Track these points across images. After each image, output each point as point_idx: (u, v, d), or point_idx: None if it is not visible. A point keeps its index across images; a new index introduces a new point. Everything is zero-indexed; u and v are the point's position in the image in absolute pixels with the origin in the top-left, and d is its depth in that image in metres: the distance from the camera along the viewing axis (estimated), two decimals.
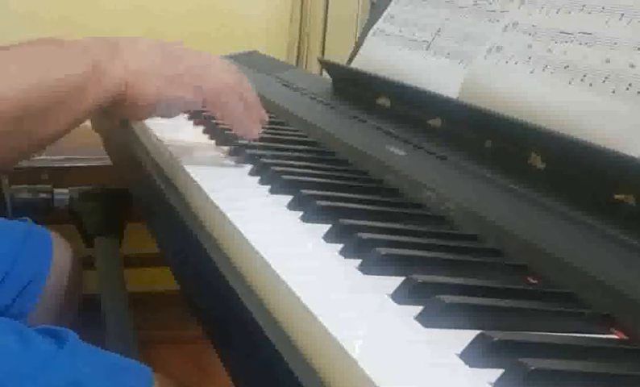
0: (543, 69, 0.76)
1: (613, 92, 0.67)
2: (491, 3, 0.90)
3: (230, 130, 0.83)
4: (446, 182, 0.73)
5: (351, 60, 1.14)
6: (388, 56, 1.05)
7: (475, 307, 0.47)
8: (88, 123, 0.96)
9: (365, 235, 0.57)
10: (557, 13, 0.79)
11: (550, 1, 0.80)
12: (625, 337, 0.48)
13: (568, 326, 0.48)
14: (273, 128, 0.93)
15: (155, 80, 0.72)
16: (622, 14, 0.71)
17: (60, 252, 1.04)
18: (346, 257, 0.55)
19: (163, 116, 0.77)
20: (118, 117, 0.76)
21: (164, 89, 0.73)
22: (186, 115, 0.99)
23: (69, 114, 0.69)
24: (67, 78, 0.68)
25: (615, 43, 0.70)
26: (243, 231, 0.57)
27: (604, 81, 0.69)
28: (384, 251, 0.54)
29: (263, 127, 0.84)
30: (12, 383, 0.64)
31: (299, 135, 0.93)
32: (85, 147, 1.35)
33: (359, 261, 0.54)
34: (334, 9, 1.80)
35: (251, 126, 0.79)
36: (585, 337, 0.47)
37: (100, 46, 0.72)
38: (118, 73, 0.70)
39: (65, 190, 1.37)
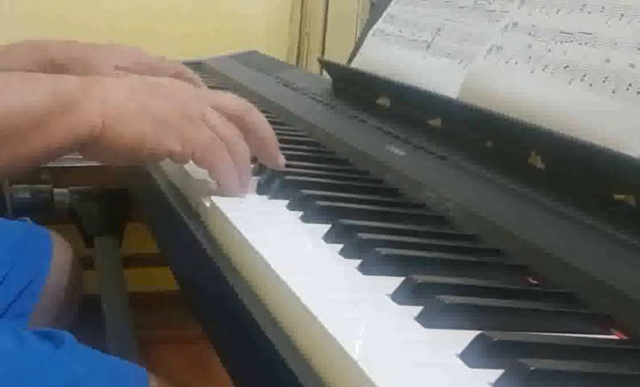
0: (543, 69, 0.76)
1: (613, 92, 0.67)
2: (491, 3, 0.90)
3: None
4: (446, 182, 0.73)
5: (351, 60, 1.14)
6: (388, 56, 1.05)
7: (475, 307, 0.47)
8: None
9: (365, 235, 0.57)
10: (557, 13, 0.79)
11: (550, 1, 0.80)
12: (625, 337, 0.48)
13: (568, 326, 0.48)
14: (273, 128, 0.93)
15: (138, 121, 0.63)
16: (622, 14, 0.71)
17: (60, 252, 1.04)
18: (346, 257, 0.55)
19: (145, 160, 0.69)
20: (95, 159, 0.67)
21: (149, 134, 0.64)
22: None
23: (29, 146, 0.61)
24: (23, 107, 0.61)
25: (615, 43, 0.70)
26: (243, 231, 0.57)
27: (604, 81, 0.69)
28: (384, 251, 0.54)
29: None
30: (9, 384, 0.64)
31: (299, 135, 0.93)
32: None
33: (359, 261, 0.54)
34: (334, 9, 1.80)
35: (237, 183, 0.67)
36: (585, 337, 0.47)
37: (78, 81, 0.64)
38: (93, 111, 0.62)
39: (65, 190, 1.37)
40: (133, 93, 0.65)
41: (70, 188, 1.38)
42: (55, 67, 0.89)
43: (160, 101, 0.65)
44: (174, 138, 0.65)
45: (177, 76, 0.93)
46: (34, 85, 0.63)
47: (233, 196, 0.67)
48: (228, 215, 0.60)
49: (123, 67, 0.92)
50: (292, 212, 0.65)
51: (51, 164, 1.37)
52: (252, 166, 0.76)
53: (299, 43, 1.91)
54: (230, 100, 0.70)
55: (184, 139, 0.65)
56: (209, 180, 0.70)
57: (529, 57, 0.79)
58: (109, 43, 0.97)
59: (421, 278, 0.49)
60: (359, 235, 0.57)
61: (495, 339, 0.42)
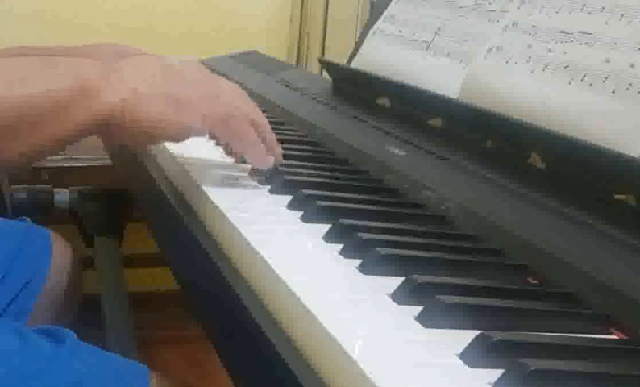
0: (543, 69, 0.76)
1: (613, 92, 0.67)
2: (491, 3, 0.90)
3: None
4: (446, 182, 0.73)
5: (350, 60, 1.14)
6: (388, 55, 1.05)
7: (475, 307, 0.47)
8: None
9: (365, 235, 0.57)
10: (557, 13, 0.79)
11: (550, 1, 0.80)
12: (625, 337, 0.48)
13: (568, 326, 0.48)
14: (273, 128, 0.93)
15: (158, 102, 0.65)
16: (622, 14, 0.71)
17: (60, 252, 1.04)
18: (346, 257, 0.55)
19: (167, 141, 0.72)
20: (117, 142, 0.69)
21: (169, 114, 0.65)
22: None
23: (49, 132, 0.62)
24: (46, 93, 0.62)
25: (615, 43, 0.70)
26: (243, 231, 0.57)
27: (604, 81, 0.69)
28: (384, 251, 0.54)
29: None
30: (12, 383, 0.64)
31: (299, 135, 0.93)
32: (85, 147, 1.35)
33: (359, 261, 0.54)
34: (334, 9, 1.80)
35: (266, 153, 0.71)
36: (585, 337, 0.47)
37: (98, 65, 0.66)
38: (114, 93, 0.64)
39: (65, 190, 1.37)
40: (150, 75, 0.66)
41: (70, 188, 1.38)
42: None
43: (177, 82, 0.67)
44: (194, 116, 0.66)
45: None
46: (55, 70, 0.64)
47: (262, 166, 0.71)
48: (228, 215, 0.60)
49: None
50: (292, 212, 0.65)
51: (51, 164, 1.37)
52: (251, 167, 0.76)
53: (299, 43, 1.91)
54: (238, 97, 0.72)
55: (203, 115, 0.67)
56: (209, 179, 0.70)
57: (529, 57, 0.79)
58: (109, 43, 0.97)
59: (421, 278, 0.49)
60: (359, 235, 0.57)
61: (495, 339, 0.42)
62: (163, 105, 0.65)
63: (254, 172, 0.75)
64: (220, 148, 0.85)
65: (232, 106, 0.69)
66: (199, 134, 0.69)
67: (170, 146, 0.81)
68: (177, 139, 0.68)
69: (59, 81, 0.63)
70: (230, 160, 0.81)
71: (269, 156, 0.71)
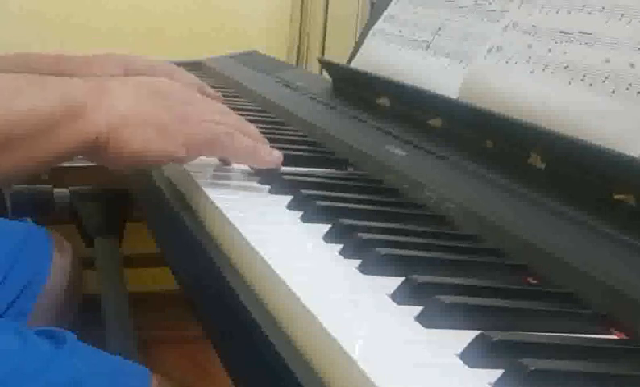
0: (543, 69, 0.76)
1: (613, 92, 0.67)
2: (491, 3, 0.90)
3: None
4: (446, 182, 0.73)
5: (350, 60, 1.14)
6: (388, 56, 1.05)
7: (475, 307, 0.47)
8: None
9: (365, 236, 0.57)
10: (557, 13, 0.79)
11: (550, 1, 0.80)
12: (625, 337, 0.48)
13: (568, 326, 0.48)
14: (273, 128, 0.93)
15: (143, 130, 0.65)
16: (622, 14, 0.71)
17: (60, 252, 1.04)
18: (346, 257, 0.55)
19: (149, 167, 0.73)
20: (103, 165, 0.68)
21: (153, 142, 0.65)
22: None
23: (37, 150, 0.62)
24: (32, 113, 0.61)
25: (615, 43, 0.70)
26: (242, 231, 0.57)
27: (604, 81, 0.69)
28: (383, 251, 0.54)
29: (263, 127, 0.84)
30: (12, 383, 0.64)
31: (299, 135, 0.93)
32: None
33: (358, 261, 0.54)
34: (334, 9, 1.80)
35: (267, 150, 0.71)
36: (585, 337, 0.47)
37: (86, 86, 0.65)
38: (100, 117, 0.63)
39: (65, 190, 1.37)
40: (136, 101, 0.66)
41: (70, 188, 1.38)
42: None
43: (161, 108, 0.66)
44: (178, 143, 0.66)
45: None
46: (43, 90, 0.63)
47: (272, 166, 0.71)
48: (228, 215, 0.60)
49: (117, 75, 0.91)
50: (292, 212, 0.65)
51: None
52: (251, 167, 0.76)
53: (299, 43, 1.91)
54: (222, 116, 0.71)
55: (188, 142, 0.66)
56: (209, 179, 0.70)
57: (529, 57, 0.79)
58: (98, 54, 0.97)
59: (421, 278, 0.49)
60: (359, 235, 0.57)
61: (495, 339, 0.42)
62: (147, 132, 0.65)
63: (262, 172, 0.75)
64: None
65: (212, 131, 0.68)
66: (183, 161, 0.70)
67: None
68: (161, 164, 0.70)
69: (48, 100, 0.62)
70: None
71: (273, 153, 0.71)
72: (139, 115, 0.65)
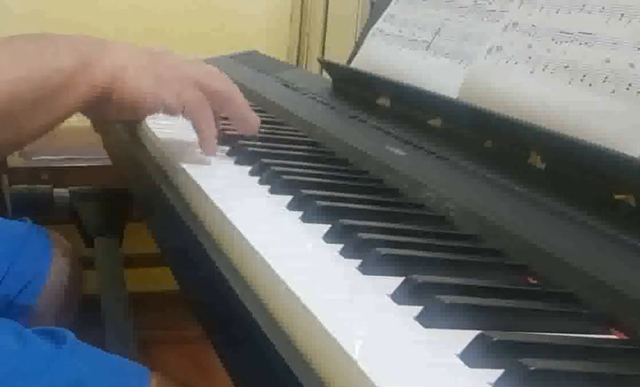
0: (543, 69, 0.76)
1: (613, 92, 0.67)
2: (491, 3, 0.90)
3: (231, 129, 0.83)
4: (446, 182, 0.73)
5: (350, 60, 1.14)
6: (388, 56, 1.05)
7: (475, 307, 0.47)
8: (88, 123, 0.96)
9: (365, 235, 0.57)
10: (557, 13, 0.79)
11: (550, 1, 0.80)
12: (625, 337, 0.48)
13: (568, 326, 0.48)
14: (273, 128, 0.93)
15: (141, 77, 0.72)
16: (622, 14, 0.71)
17: (60, 252, 1.04)
18: (346, 257, 0.55)
19: (144, 112, 0.78)
20: (104, 117, 0.77)
21: (149, 86, 0.73)
22: None
23: (58, 107, 0.70)
24: (56, 72, 0.69)
25: (615, 43, 0.70)
26: (242, 232, 0.57)
27: (604, 81, 0.69)
28: (384, 251, 0.54)
29: (263, 127, 0.84)
30: (13, 383, 0.64)
31: (299, 135, 0.93)
32: (85, 147, 1.35)
33: (359, 261, 0.54)
34: (334, 9, 1.80)
35: (214, 144, 0.78)
36: (585, 337, 0.47)
37: (88, 41, 0.73)
38: (105, 68, 0.71)
39: (65, 190, 1.37)
40: (137, 53, 0.74)
41: (70, 188, 1.37)
42: None
43: (157, 62, 0.74)
44: (170, 93, 0.73)
45: None
46: (60, 50, 0.71)
47: (247, 130, 0.80)
48: (228, 215, 0.60)
49: None
50: (292, 212, 0.65)
51: (51, 164, 1.37)
52: (251, 167, 0.76)
53: (299, 43, 1.91)
54: (216, 82, 0.78)
55: (179, 95, 0.73)
56: (209, 179, 0.70)
57: (529, 57, 0.79)
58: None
59: (421, 278, 0.49)
60: (359, 235, 0.57)
61: (495, 339, 0.42)
62: (144, 78, 0.72)
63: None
64: (220, 149, 0.85)
65: (200, 99, 0.75)
66: (173, 113, 0.76)
67: (170, 145, 0.81)
68: (152, 110, 0.75)
69: (65, 60, 0.70)
70: (230, 161, 0.81)
71: (250, 120, 0.79)
72: (137, 65, 0.73)
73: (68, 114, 0.72)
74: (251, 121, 0.80)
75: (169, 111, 0.75)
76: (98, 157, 1.31)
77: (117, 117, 0.78)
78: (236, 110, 0.79)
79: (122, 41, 0.76)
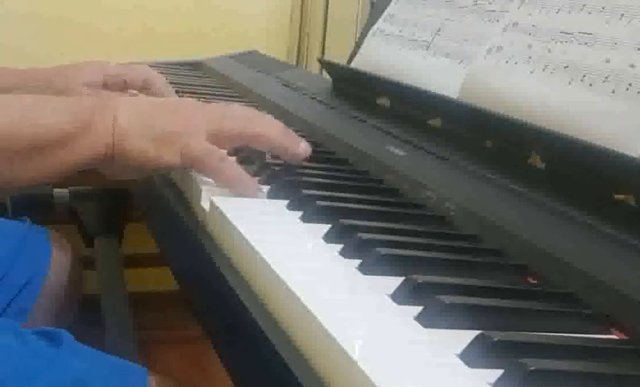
0: (543, 69, 0.76)
1: (613, 92, 0.67)
2: (491, 3, 0.90)
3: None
4: (446, 182, 0.73)
5: (351, 60, 1.14)
6: (388, 56, 1.05)
7: (475, 307, 0.47)
8: None
9: (365, 236, 0.57)
10: (557, 13, 0.79)
11: (550, 1, 0.80)
12: (625, 337, 0.48)
13: (568, 326, 0.48)
14: None
15: (142, 140, 0.70)
16: (622, 14, 0.71)
17: (59, 252, 1.04)
18: (346, 257, 0.55)
19: (151, 174, 0.77)
20: (111, 175, 0.74)
21: (150, 151, 0.70)
22: None
23: (55, 161, 0.69)
24: (54, 126, 0.69)
25: (615, 43, 0.70)
26: (243, 231, 0.57)
27: (604, 81, 0.69)
28: (384, 251, 0.54)
29: None
30: (13, 383, 0.64)
31: (299, 135, 0.93)
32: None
33: (359, 261, 0.54)
34: (334, 9, 1.80)
35: (250, 185, 0.70)
36: (585, 337, 0.47)
37: (95, 104, 0.71)
38: (107, 131, 0.69)
39: (65, 190, 1.37)
40: (138, 114, 0.71)
41: (70, 188, 1.37)
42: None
43: (160, 119, 0.71)
44: (171, 153, 0.70)
45: (146, 82, 0.98)
46: (60, 108, 0.71)
47: (247, 195, 0.69)
48: (228, 215, 0.60)
49: (94, 82, 0.96)
50: (292, 212, 0.65)
51: None
52: (251, 167, 0.76)
53: (299, 43, 1.91)
54: (227, 122, 0.72)
55: (183, 153, 0.70)
56: (209, 180, 0.70)
57: (529, 57, 0.79)
58: (71, 64, 0.99)
59: (421, 278, 0.49)
60: (359, 235, 0.57)
61: (495, 339, 0.42)
62: (144, 141, 0.70)
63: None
64: None
65: (205, 150, 0.70)
66: (177, 169, 0.72)
67: None
68: (159, 172, 0.75)
69: (62, 118, 0.70)
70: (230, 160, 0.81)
71: (254, 187, 0.70)
72: (136, 126, 0.70)
73: (68, 171, 0.71)
74: (291, 148, 0.74)
75: (176, 169, 0.73)
76: None
77: (125, 176, 0.75)
78: (265, 143, 0.74)
79: (128, 100, 0.76)
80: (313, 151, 0.86)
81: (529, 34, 0.81)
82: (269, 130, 0.73)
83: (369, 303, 0.48)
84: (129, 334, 1.22)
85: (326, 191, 0.69)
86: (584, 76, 0.71)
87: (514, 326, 0.47)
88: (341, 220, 0.60)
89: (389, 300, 0.48)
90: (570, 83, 0.72)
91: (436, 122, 0.89)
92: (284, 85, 1.24)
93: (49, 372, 0.66)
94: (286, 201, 0.67)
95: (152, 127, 0.70)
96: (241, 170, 0.71)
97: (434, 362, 0.41)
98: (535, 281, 0.55)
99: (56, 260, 1.02)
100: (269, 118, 0.76)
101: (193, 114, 0.72)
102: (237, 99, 1.16)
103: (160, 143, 0.70)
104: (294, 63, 1.88)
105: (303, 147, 0.74)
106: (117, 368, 0.72)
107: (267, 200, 0.69)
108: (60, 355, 0.67)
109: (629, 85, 0.66)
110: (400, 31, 1.05)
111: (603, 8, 0.73)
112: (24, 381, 0.65)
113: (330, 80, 1.21)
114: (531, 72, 0.77)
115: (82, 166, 0.71)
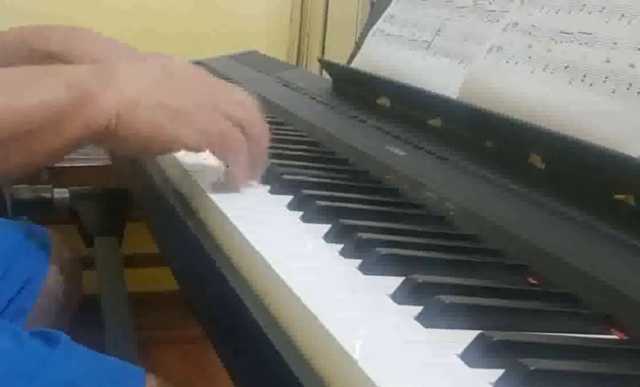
0: (543, 69, 0.76)
1: (613, 92, 0.67)
2: (491, 3, 0.90)
3: None
4: (446, 182, 0.73)
5: (351, 60, 1.14)
6: (388, 56, 1.05)
7: (475, 307, 0.47)
8: None
9: (365, 235, 0.57)
10: (557, 13, 0.79)
11: (550, 1, 0.80)
12: (625, 337, 0.48)
13: (568, 326, 0.48)
14: (273, 128, 0.93)
15: (153, 113, 0.63)
16: (622, 14, 0.71)
17: (59, 252, 1.04)
18: (346, 257, 0.55)
19: (160, 153, 0.70)
20: (113, 151, 0.69)
21: (164, 126, 0.63)
22: None
23: (46, 142, 0.62)
24: (43, 105, 0.61)
25: (615, 43, 0.70)
26: (243, 231, 0.57)
27: (604, 81, 0.69)
28: (384, 251, 0.54)
29: None
30: (7, 383, 0.64)
31: (299, 135, 0.93)
32: (85, 147, 1.35)
33: (359, 261, 0.54)
34: (334, 9, 1.80)
35: (245, 176, 0.67)
36: (585, 337, 0.47)
37: (93, 73, 0.64)
38: (108, 104, 0.62)
39: (65, 190, 1.37)
40: (148, 84, 0.64)
41: (70, 188, 1.38)
42: (52, 56, 0.87)
43: (174, 92, 0.64)
44: (189, 130, 0.64)
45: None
46: (49, 82, 0.63)
47: (238, 186, 0.67)
48: (228, 215, 0.60)
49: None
50: (292, 212, 0.65)
51: (51, 164, 1.37)
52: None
53: (299, 43, 1.91)
54: (238, 108, 0.68)
55: (199, 130, 0.64)
56: (209, 179, 0.70)
57: (529, 57, 0.79)
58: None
59: (421, 278, 0.49)
60: (359, 235, 0.57)
61: (495, 339, 0.42)
62: (157, 116, 0.63)
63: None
64: None
65: (223, 129, 0.65)
66: (194, 150, 0.67)
67: None
68: (170, 151, 0.67)
69: (56, 92, 0.62)
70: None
71: (253, 174, 0.68)
72: (148, 99, 0.63)
73: (65, 151, 0.64)
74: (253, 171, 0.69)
75: (190, 150, 0.67)
76: (98, 157, 1.31)
77: (125, 152, 0.69)
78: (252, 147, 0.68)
79: (138, 64, 0.68)
80: (314, 151, 0.86)
81: (530, 34, 0.81)
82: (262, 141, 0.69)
83: (369, 303, 0.48)
84: (129, 334, 1.22)
85: (326, 191, 0.69)
86: (584, 76, 0.71)
87: (514, 326, 0.47)
88: (341, 220, 0.60)
89: (389, 300, 0.48)
90: (570, 83, 0.72)
91: (436, 122, 0.89)
92: (284, 85, 1.24)
93: (44, 373, 0.66)
94: (286, 201, 0.67)
95: (164, 101, 0.63)
96: (244, 161, 0.66)
97: (434, 362, 0.41)
98: (535, 281, 0.55)
99: (56, 260, 1.02)
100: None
101: (211, 90, 0.67)
102: None
103: (175, 118, 0.63)
104: (294, 63, 1.88)
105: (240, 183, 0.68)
106: (113, 369, 0.72)
107: (267, 200, 0.69)
108: (54, 356, 0.67)
109: (629, 85, 0.66)
110: (400, 31, 1.05)
111: (603, 8, 0.73)
112: (19, 382, 0.64)
113: (330, 80, 1.21)
114: (531, 72, 0.77)
115: (79, 144, 0.64)
